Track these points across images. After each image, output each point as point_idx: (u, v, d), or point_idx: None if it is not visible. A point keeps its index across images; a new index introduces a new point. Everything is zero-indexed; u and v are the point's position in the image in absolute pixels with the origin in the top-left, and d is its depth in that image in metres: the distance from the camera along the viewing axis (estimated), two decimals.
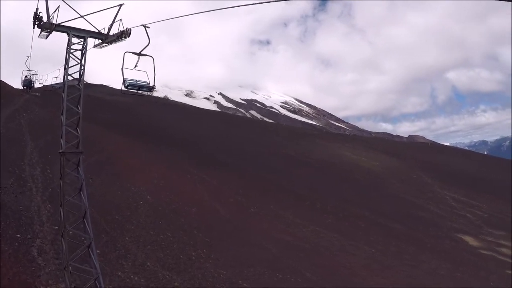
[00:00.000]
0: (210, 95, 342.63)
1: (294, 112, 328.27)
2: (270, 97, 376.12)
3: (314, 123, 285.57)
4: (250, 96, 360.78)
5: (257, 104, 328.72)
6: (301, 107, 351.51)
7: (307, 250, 25.82)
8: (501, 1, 3.65)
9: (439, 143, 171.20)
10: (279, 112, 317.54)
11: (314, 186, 46.03)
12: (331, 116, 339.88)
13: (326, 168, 57.95)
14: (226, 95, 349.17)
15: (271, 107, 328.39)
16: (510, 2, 3.56)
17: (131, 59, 11.71)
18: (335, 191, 45.61)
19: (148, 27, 11.42)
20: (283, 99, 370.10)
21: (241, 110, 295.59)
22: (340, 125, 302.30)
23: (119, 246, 17.81)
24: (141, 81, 12.23)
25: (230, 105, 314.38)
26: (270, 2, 7.21)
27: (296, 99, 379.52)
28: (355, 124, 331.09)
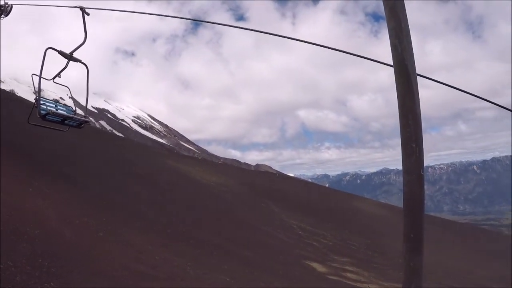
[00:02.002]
0: (61, 97, 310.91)
1: (145, 128, 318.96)
2: (123, 109, 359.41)
3: (164, 142, 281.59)
4: (103, 105, 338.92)
5: (108, 115, 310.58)
6: (153, 124, 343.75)
7: (161, 280, 25.03)
8: (356, 56, 4.18)
9: (285, 174, 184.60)
10: (130, 126, 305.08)
11: (163, 210, 45.07)
12: (182, 137, 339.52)
13: (175, 191, 57.39)
14: (77, 100, 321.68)
15: (123, 120, 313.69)
16: (361, 58, 4.05)
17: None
18: (185, 215, 45.39)
19: (88, 14, 6.31)
20: (136, 114, 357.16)
21: (91, 118, 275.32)
22: (190, 147, 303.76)
23: None
24: (63, 107, 7.54)
25: (79, 111, 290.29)
26: (148, 14, 6.51)
27: (149, 115, 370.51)
28: (205, 148, 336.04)
